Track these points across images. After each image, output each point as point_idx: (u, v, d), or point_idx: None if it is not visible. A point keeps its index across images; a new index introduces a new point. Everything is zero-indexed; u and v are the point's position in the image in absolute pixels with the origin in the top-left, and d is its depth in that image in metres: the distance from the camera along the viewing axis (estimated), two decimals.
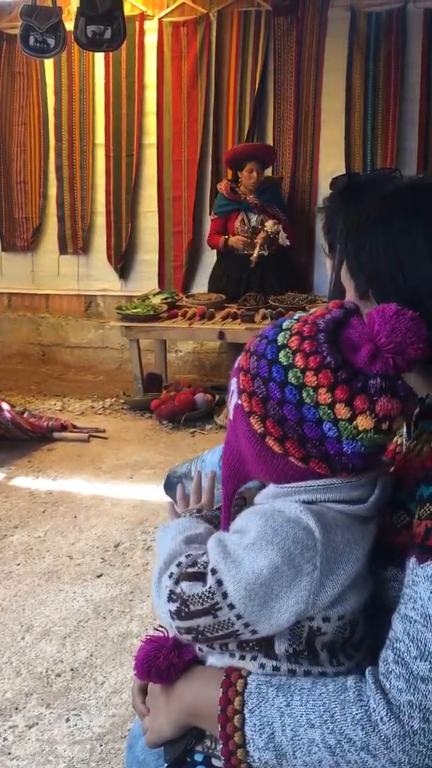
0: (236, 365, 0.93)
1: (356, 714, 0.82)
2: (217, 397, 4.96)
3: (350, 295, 1.01)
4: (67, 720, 2.22)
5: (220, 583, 0.86)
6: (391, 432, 0.84)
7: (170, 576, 0.90)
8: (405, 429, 1.03)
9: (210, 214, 5.53)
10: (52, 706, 2.27)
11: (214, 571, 0.86)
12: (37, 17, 4.48)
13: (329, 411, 0.83)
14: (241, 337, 4.90)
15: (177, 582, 0.89)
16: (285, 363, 0.86)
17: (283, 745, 0.85)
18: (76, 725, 2.20)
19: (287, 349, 0.86)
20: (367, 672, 0.85)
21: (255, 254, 5.02)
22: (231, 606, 0.85)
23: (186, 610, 0.88)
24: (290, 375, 0.85)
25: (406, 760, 0.81)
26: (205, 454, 1.55)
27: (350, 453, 0.84)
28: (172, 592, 0.89)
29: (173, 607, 0.89)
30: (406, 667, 0.81)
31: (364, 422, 0.82)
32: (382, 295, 0.94)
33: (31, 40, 4.47)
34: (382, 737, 0.81)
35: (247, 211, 5.13)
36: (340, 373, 0.83)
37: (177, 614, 0.88)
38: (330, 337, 0.85)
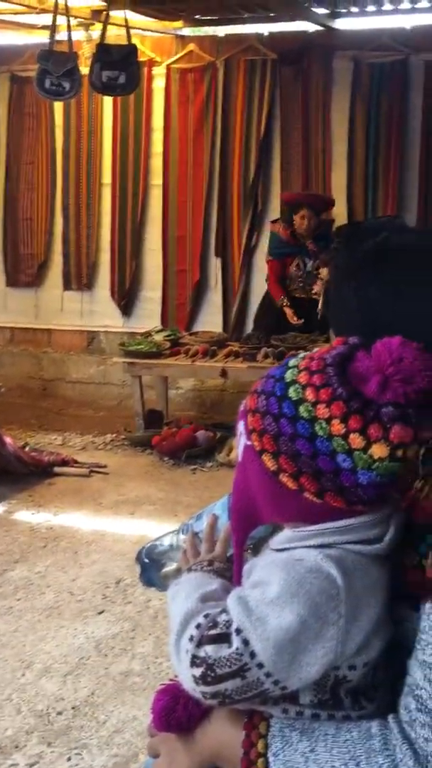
0: (242, 408, 0.93)
1: (383, 763, 0.82)
2: (218, 434, 4.96)
3: None
4: (69, 759, 2.19)
5: (246, 642, 0.83)
6: (405, 459, 0.84)
7: (190, 639, 0.86)
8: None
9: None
10: (53, 745, 2.25)
11: (238, 631, 0.84)
12: (53, 62, 4.61)
13: (343, 442, 0.83)
14: (244, 375, 4.94)
15: (199, 645, 0.85)
16: (295, 398, 0.86)
17: None
18: (77, 765, 2.17)
19: (297, 385, 0.87)
20: (390, 719, 0.85)
21: (320, 307, 4.87)
22: (260, 665, 0.83)
23: (212, 674, 0.84)
24: (301, 409, 0.85)
25: None
26: (192, 520, 1.36)
27: (366, 484, 0.84)
28: (195, 656, 0.85)
29: (198, 672, 0.85)
30: (430, 715, 0.81)
31: (379, 450, 0.83)
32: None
33: (47, 83, 4.60)
34: None
35: (303, 256, 5.17)
36: (352, 403, 0.84)
37: (202, 679, 0.85)
38: (339, 369, 0.86)
